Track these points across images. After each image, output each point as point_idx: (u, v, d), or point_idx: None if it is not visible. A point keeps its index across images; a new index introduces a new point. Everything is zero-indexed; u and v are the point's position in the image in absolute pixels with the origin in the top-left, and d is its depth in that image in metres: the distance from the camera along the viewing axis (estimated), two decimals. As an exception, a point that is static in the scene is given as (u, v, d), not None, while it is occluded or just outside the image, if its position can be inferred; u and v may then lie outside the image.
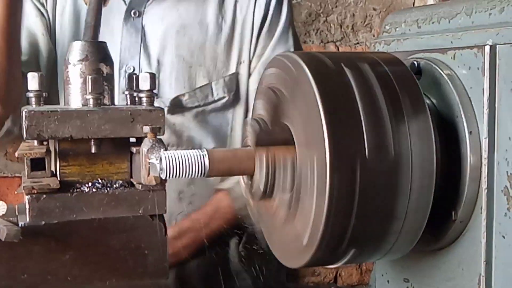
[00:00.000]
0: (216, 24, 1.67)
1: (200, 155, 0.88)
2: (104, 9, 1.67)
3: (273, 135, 0.95)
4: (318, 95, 0.85)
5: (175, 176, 0.87)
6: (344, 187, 0.84)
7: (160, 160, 0.86)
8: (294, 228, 0.92)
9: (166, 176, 0.87)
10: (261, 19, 1.71)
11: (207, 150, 0.89)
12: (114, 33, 1.65)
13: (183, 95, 1.65)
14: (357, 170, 0.84)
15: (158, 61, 1.64)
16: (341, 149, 0.83)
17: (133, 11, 1.65)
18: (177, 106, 1.65)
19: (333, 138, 0.83)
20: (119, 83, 1.59)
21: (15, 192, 2.67)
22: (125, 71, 1.64)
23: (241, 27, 1.70)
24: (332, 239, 0.86)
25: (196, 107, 1.68)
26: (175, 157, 0.87)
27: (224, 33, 1.69)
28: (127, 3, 1.66)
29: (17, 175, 2.76)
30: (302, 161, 0.89)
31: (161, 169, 0.86)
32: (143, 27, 1.64)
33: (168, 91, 1.65)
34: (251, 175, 0.96)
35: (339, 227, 0.86)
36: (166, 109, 1.60)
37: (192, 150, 0.89)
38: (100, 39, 1.66)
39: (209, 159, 0.88)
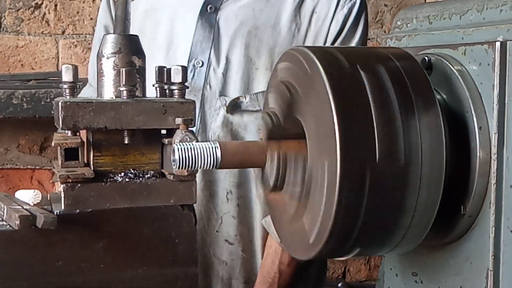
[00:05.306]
0: (289, 30, 1.62)
1: (212, 147, 0.89)
2: (179, 2, 1.64)
3: (285, 129, 0.96)
4: (330, 91, 0.85)
5: (187, 168, 0.88)
6: (354, 182, 0.85)
7: (173, 151, 0.87)
8: (304, 222, 0.93)
9: (178, 167, 0.88)
10: (336, 33, 1.64)
11: (219, 143, 0.90)
12: (188, 26, 1.63)
13: (244, 97, 1.60)
14: (367, 165, 0.85)
15: (227, 59, 1.61)
16: (352, 145, 0.84)
17: (209, 6, 1.62)
18: (236, 107, 1.60)
19: (343, 132, 0.84)
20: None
21: (50, 181, 2.67)
22: (194, 65, 1.61)
23: (313, 38, 1.63)
24: (341, 233, 0.87)
25: (257, 111, 1.60)
26: (187, 148, 0.88)
27: (295, 40, 1.64)
28: None
29: (29, 167, 2.78)
30: (313, 155, 0.90)
31: (173, 160, 0.87)
32: (217, 23, 1.62)
33: (232, 90, 1.61)
34: (262, 168, 0.97)
35: (349, 221, 0.87)
36: (225, 108, 1.57)
37: (205, 142, 0.90)
38: (175, 31, 1.64)
39: (221, 151, 0.89)
